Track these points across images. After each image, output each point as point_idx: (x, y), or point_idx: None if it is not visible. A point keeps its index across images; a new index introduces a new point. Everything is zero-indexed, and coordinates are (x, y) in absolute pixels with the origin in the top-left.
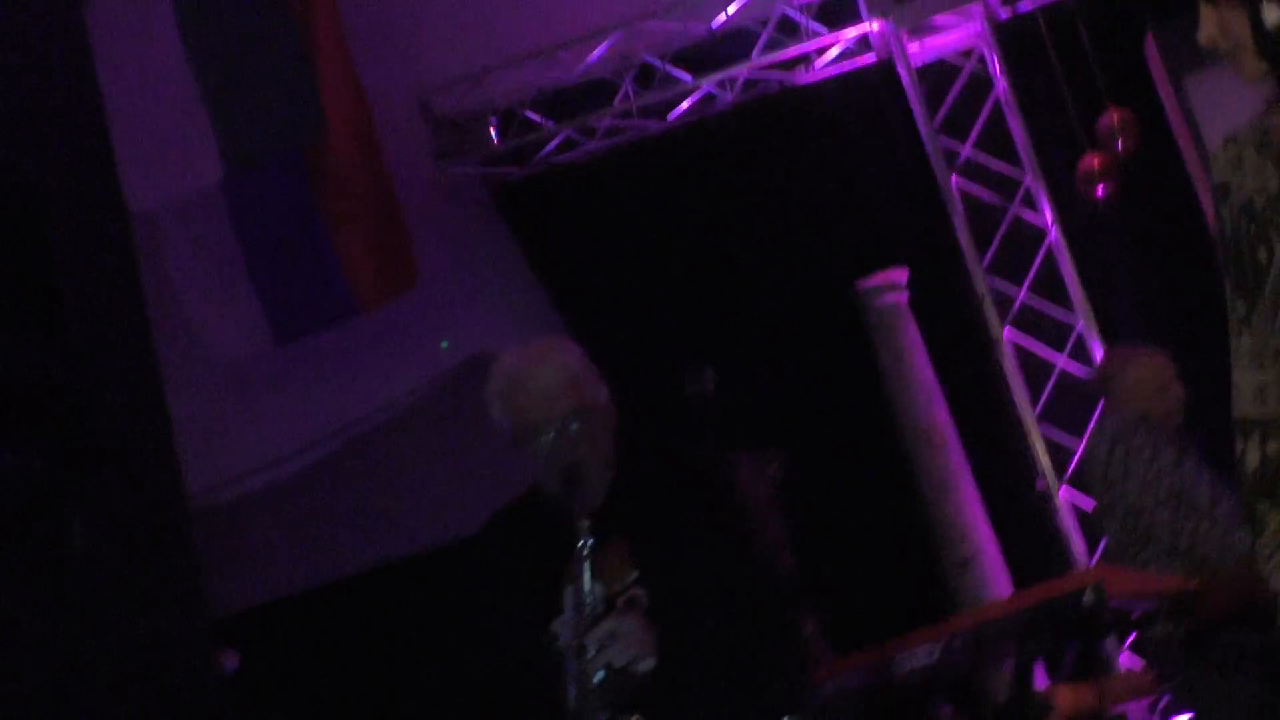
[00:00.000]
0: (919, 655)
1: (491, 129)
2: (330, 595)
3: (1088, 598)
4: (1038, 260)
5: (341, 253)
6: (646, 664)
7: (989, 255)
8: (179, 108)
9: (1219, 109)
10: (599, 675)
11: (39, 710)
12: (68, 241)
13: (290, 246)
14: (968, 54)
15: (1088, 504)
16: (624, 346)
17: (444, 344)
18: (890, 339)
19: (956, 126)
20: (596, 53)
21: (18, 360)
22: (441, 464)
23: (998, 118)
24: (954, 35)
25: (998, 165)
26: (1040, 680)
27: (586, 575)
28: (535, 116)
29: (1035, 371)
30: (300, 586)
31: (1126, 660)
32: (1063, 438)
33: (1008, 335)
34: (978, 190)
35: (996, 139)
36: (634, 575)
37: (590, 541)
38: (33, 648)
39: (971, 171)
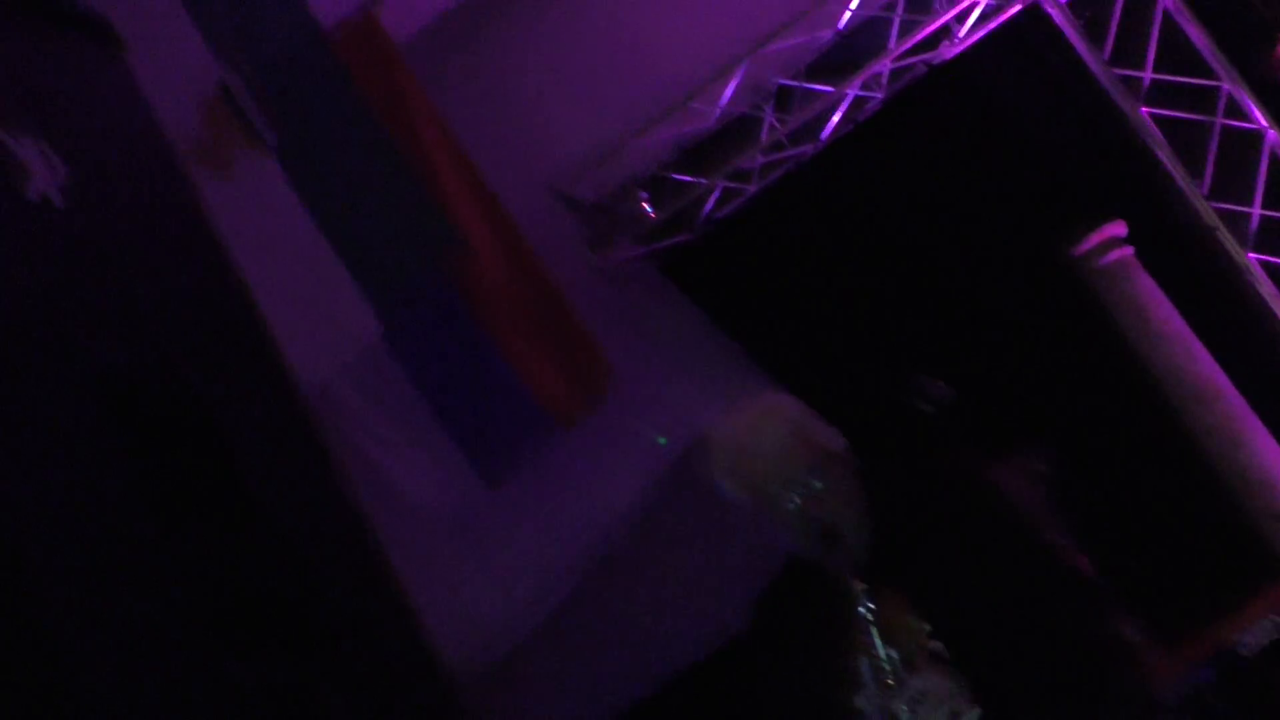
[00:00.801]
0: (1261, 630)
1: (643, 202)
2: None
3: None
4: (1263, 168)
5: (526, 375)
6: (969, 718)
7: (1207, 179)
8: (320, 270)
9: None
10: None
11: None
12: (247, 440)
13: (471, 383)
14: None
15: None
16: (841, 382)
17: (660, 440)
18: (1125, 298)
19: (1129, 53)
20: (728, 92)
21: (226, 569)
22: (690, 563)
23: (1170, 31)
24: None
25: (1186, 81)
26: None
27: (877, 641)
28: (684, 176)
29: None
30: None
31: None
32: None
33: (1252, 258)
34: (1172, 114)
35: (1175, 54)
36: (925, 628)
37: (873, 606)
38: None
39: (1159, 96)
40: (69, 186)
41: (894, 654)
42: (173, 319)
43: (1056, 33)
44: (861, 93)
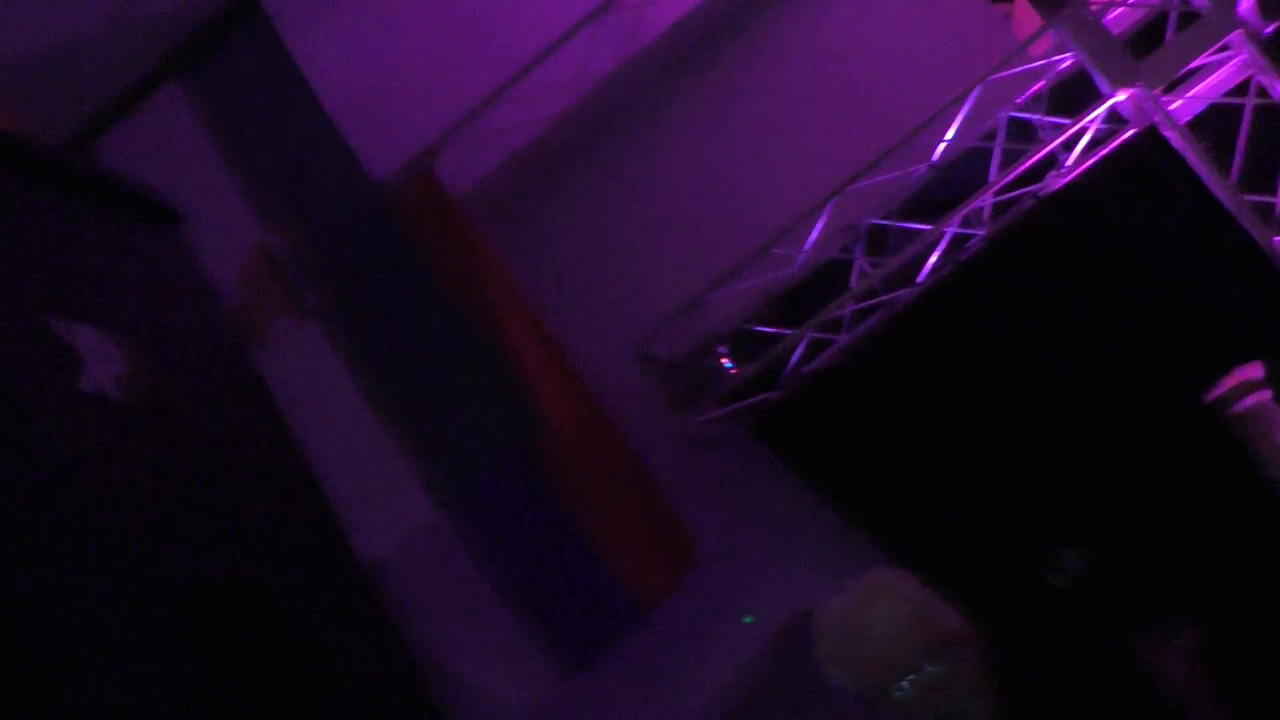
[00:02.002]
0: None
1: (724, 359)
2: None
3: None
4: None
5: (605, 554)
6: None
7: None
8: (378, 445)
9: None
10: None
11: None
12: (323, 636)
13: (545, 563)
14: (1242, 88)
15: None
16: (961, 555)
17: (747, 619)
18: (1269, 447)
19: (1259, 176)
20: (814, 234)
21: None
22: None
23: None
24: (1218, 74)
25: None
26: None
27: None
28: (768, 329)
29: None
30: None
31: None
32: None
33: None
34: None
35: None
36: None
37: None
38: None
39: None
40: (126, 376)
41: None
42: (245, 515)
43: (1177, 158)
44: (962, 230)
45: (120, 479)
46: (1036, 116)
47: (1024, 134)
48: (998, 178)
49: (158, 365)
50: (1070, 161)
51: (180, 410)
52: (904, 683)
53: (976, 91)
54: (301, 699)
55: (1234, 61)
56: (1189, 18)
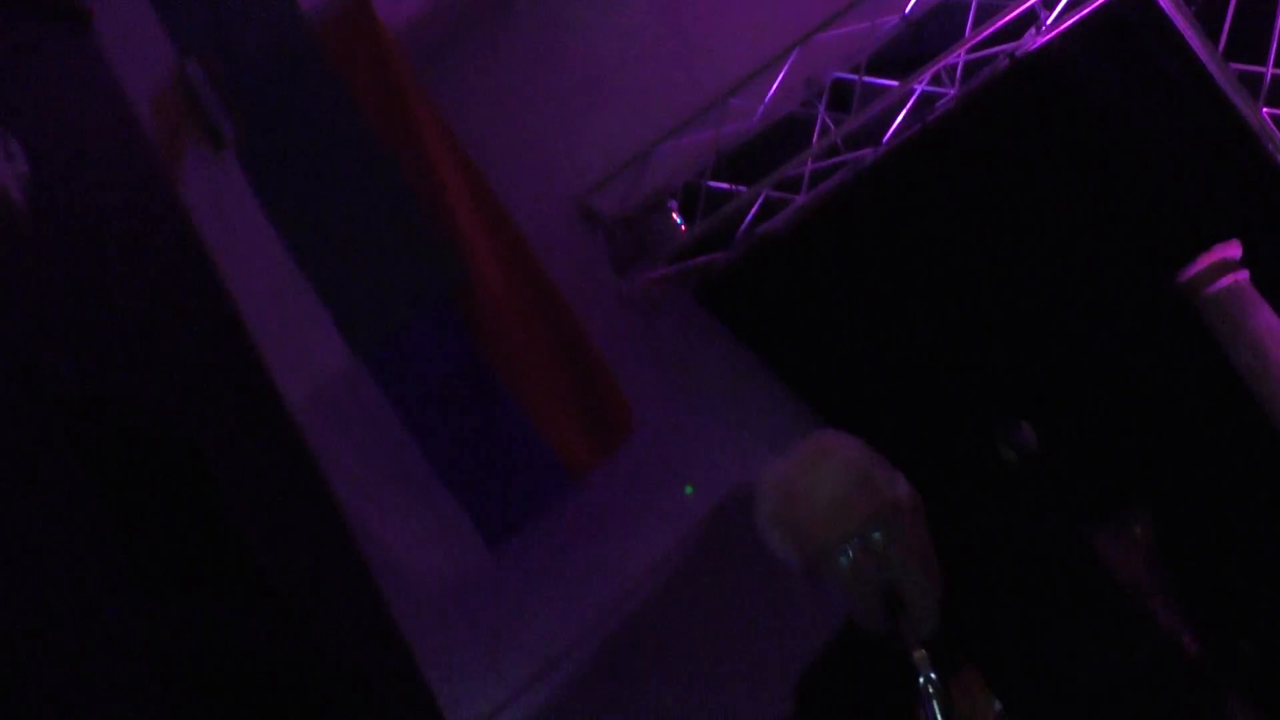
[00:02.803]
0: None
1: (673, 214)
2: None
3: None
4: None
5: (538, 418)
6: None
7: None
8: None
9: None
10: None
11: None
12: (236, 472)
13: (471, 425)
14: None
15: None
16: (910, 424)
17: (688, 489)
18: (1241, 332)
19: (1247, 46)
20: (774, 87)
21: (232, 637)
22: (726, 634)
23: None
24: None
25: None
26: None
27: (938, 718)
28: (722, 185)
29: None
30: None
31: None
32: None
33: None
34: None
35: None
36: (996, 708)
37: (935, 678)
38: None
39: None
40: (30, 177)
41: None
42: (154, 336)
43: (1163, 22)
44: (931, 89)
45: (14, 281)
46: None
47: None
48: (972, 34)
49: (65, 170)
50: (1050, 20)
51: (89, 221)
52: (846, 549)
53: None
54: (208, 524)
55: None
56: None
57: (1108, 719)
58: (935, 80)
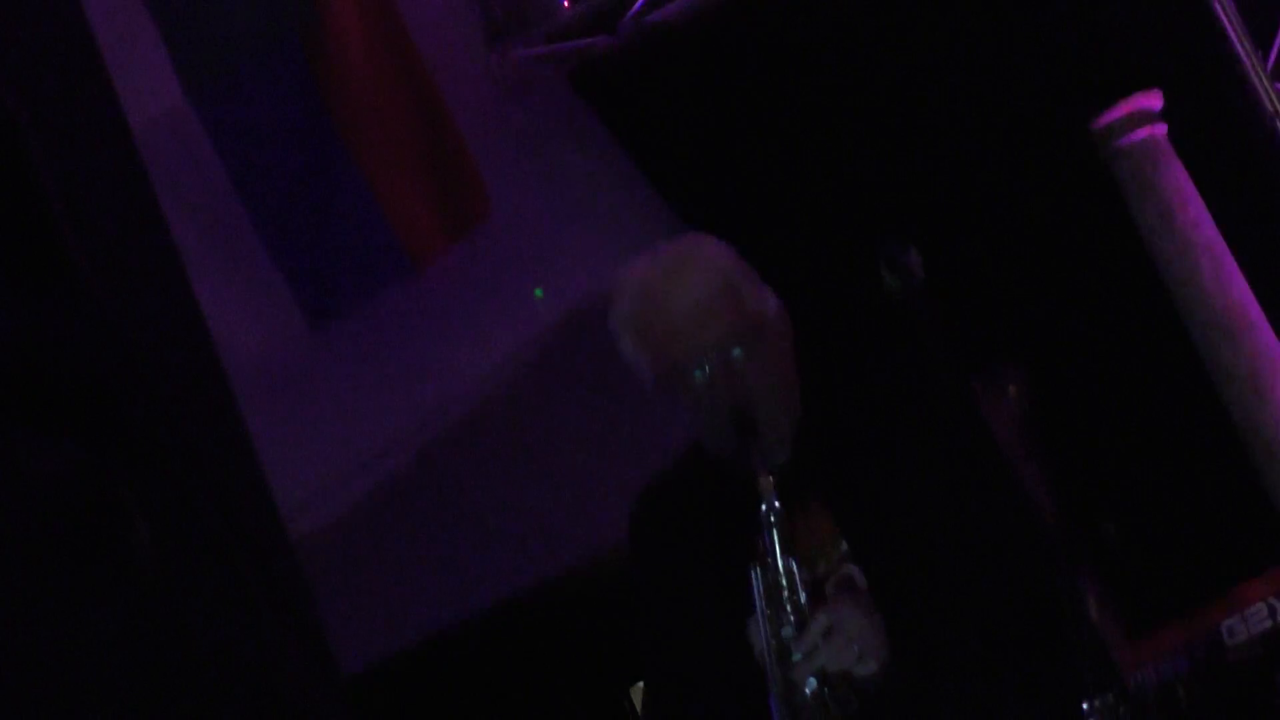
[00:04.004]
0: (1253, 618)
1: None
2: (448, 643)
3: None
4: None
5: (380, 189)
6: (872, 665)
7: (1274, 53)
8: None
9: None
10: (810, 684)
11: None
12: (67, 181)
13: (306, 189)
14: None
15: None
16: (787, 238)
17: (537, 292)
18: (1149, 189)
19: None
20: None
21: (28, 330)
22: (568, 442)
23: None
24: None
25: None
26: None
27: (776, 548)
28: None
29: None
30: (408, 641)
31: None
32: None
33: None
34: None
35: None
36: (843, 548)
37: (778, 507)
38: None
39: None
40: None
41: (796, 569)
42: None
43: None
44: None
45: None
46: None
47: None
48: None
49: None
50: None
51: None
52: (702, 363)
53: None
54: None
55: None
56: None
57: (955, 576)
58: None
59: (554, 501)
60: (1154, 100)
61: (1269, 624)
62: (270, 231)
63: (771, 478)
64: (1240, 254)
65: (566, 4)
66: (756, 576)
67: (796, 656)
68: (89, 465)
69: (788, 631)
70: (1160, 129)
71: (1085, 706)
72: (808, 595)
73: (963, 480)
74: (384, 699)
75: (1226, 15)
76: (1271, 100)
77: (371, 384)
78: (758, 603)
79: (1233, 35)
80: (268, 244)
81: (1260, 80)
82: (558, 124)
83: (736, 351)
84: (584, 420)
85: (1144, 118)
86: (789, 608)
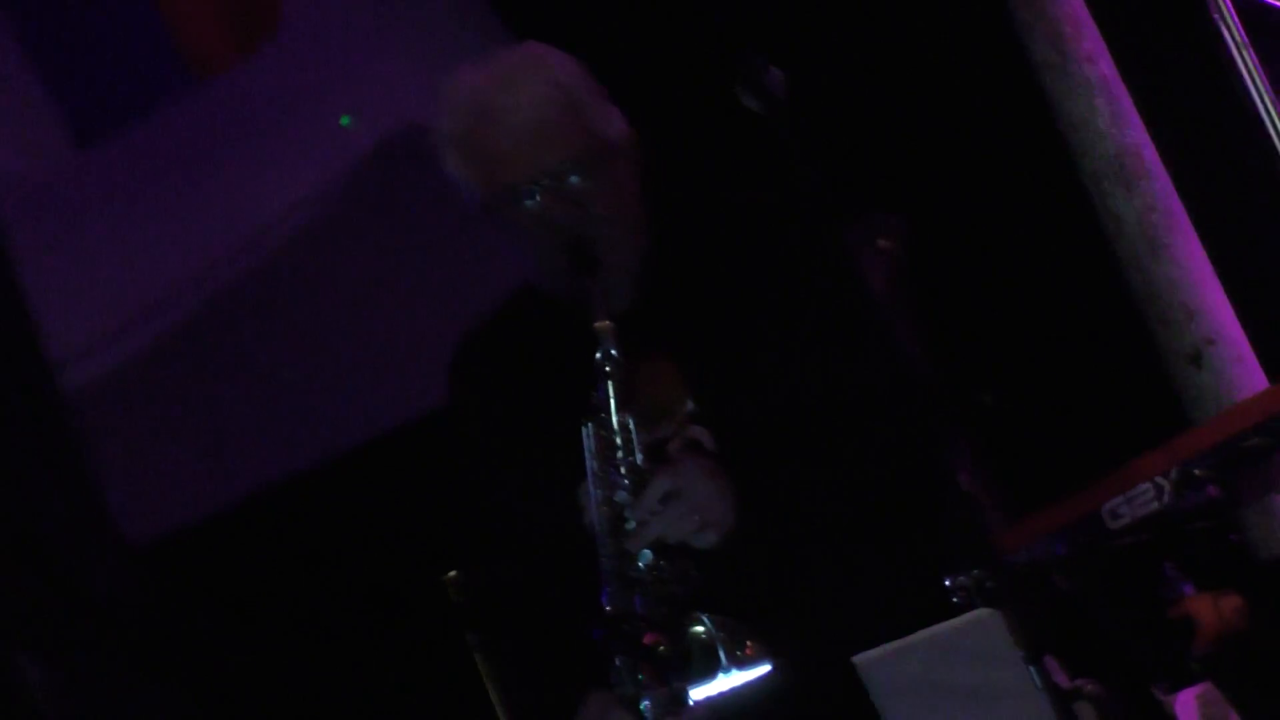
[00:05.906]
0: (1138, 500)
1: None
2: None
3: None
4: None
5: None
6: (713, 536)
7: None
8: None
9: None
10: (645, 556)
11: None
12: None
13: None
14: None
15: None
16: (636, 48)
17: (343, 120)
18: (1042, 18)
19: None
20: None
21: None
22: (368, 305)
23: None
24: None
25: None
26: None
27: (612, 403)
28: None
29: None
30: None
31: None
32: None
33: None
34: None
35: None
36: (688, 405)
37: (615, 355)
38: None
39: None
40: None
41: (633, 427)
42: None
43: None
44: None
45: None
46: None
47: None
48: None
49: None
50: None
51: None
52: (535, 190)
53: None
54: None
55: None
56: None
57: (813, 439)
58: None
59: (362, 358)
60: None
61: (1155, 505)
62: (30, 35)
63: (611, 323)
64: (1140, 92)
65: None
66: (588, 433)
67: (631, 524)
68: None
69: (622, 497)
70: None
71: (948, 582)
72: (646, 457)
73: (826, 333)
74: (179, 572)
75: None
76: None
77: (150, 217)
78: (589, 463)
79: None
80: (27, 49)
81: None
82: None
83: (575, 178)
84: (399, 266)
85: None
86: (624, 470)
